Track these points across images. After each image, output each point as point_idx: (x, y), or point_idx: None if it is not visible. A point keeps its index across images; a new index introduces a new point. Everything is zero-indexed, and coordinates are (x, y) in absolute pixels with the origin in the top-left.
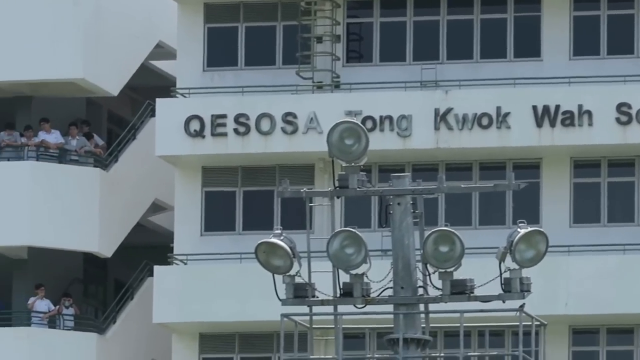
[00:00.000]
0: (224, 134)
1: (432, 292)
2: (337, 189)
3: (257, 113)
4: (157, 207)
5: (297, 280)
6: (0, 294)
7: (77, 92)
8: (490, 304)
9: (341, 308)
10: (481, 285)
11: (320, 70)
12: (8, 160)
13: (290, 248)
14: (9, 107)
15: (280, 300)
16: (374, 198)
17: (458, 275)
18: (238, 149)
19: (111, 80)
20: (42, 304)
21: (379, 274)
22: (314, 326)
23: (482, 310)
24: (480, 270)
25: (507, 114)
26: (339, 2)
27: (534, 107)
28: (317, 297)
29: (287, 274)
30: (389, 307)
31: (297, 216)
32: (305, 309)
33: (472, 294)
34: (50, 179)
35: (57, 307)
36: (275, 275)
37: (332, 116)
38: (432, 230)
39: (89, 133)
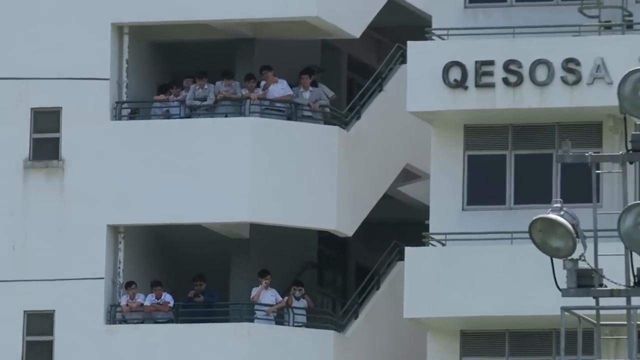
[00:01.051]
0: (491, 85)
1: None
2: (630, 152)
3: (532, 59)
4: (408, 175)
5: (581, 265)
6: (216, 283)
7: (310, 33)
8: None
9: (635, 300)
10: None
11: (609, 7)
12: (226, 116)
13: (573, 226)
14: (227, 52)
15: (560, 290)
16: None
17: None
18: (508, 104)
19: (352, 19)
20: (267, 295)
21: None
22: (601, 322)
23: None
24: None
25: None
26: None
27: None
28: (606, 287)
29: (569, 257)
30: None
31: (580, 186)
32: (590, 301)
33: None
34: (277, 139)
35: (286, 298)
36: (554, 259)
37: (623, 63)
38: None
39: (314, 82)
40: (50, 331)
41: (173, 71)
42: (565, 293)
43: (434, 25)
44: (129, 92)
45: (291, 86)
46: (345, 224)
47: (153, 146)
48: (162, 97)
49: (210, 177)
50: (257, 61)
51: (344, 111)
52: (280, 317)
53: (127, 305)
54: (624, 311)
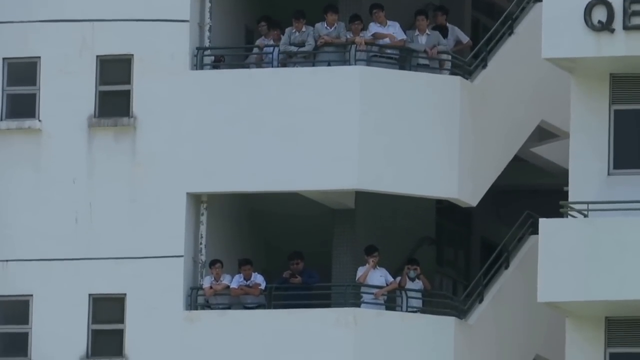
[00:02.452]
0: None
1: None
2: None
3: None
4: (544, 134)
5: None
6: (316, 261)
7: None
8: None
9: None
10: None
11: None
12: (328, 64)
13: None
14: None
15: None
16: None
17: None
18: None
19: None
20: (376, 275)
21: None
22: None
23: None
24: None
25: None
26: None
27: None
28: None
29: None
30: None
31: None
32: None
33: None
34: (388, 92)
35: (398, 279)
36: None
37: None
38: None
39: (443, 26)
40: (120, 318)
41: (264, 11)
42: None
43: None
44: (212, 37)
45: (407, 29)
46: (469, 192)
47: (241, 100)
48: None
49: (309, 136)
50: None
51: (467, 58)
52: (391, 301)
53: (210, 287)
54: None
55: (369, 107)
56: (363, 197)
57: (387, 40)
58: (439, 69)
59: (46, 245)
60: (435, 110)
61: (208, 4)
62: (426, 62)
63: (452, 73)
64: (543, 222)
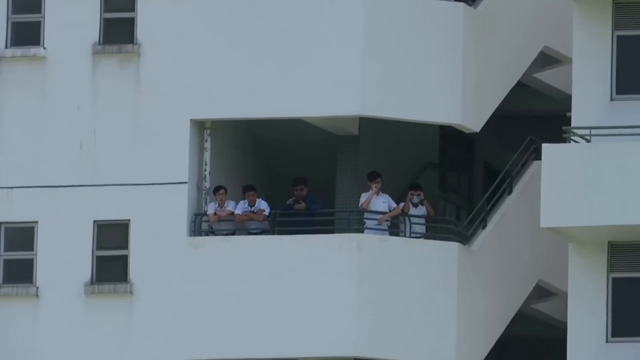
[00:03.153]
0: None
1: None
2: None
3: None
4: (546, 59)
5: None
6: (320, 187)
7: None
8: None
9: None
10: None
11: None
12: None
13: None
14: None
15: None
16: None
17: None
18: None
19: None
20: (379, 201)
21: None
22: None
23: None
24: None
25: None
26: None
27: None
28: None
29: None
30: None
31: None
32: None
33: None
34: (391, 17)
35: (402, 204)
36: None
37: None
38: None
39: None
40: (124, 245)
41: None
42: None
43: None
44: None
45: None
46: (472, 118)
47: (245, 27)
48: None
49: (312, 63)
50: None
51: None
52: (394, 226)
53: (214, 213)
54: None
55: (372, 33)
56: (366, 123)
57: None
58: None
59: (50, 172)
60: (438, 36)
61: None
62: None
63: None
64: (546, 148)
